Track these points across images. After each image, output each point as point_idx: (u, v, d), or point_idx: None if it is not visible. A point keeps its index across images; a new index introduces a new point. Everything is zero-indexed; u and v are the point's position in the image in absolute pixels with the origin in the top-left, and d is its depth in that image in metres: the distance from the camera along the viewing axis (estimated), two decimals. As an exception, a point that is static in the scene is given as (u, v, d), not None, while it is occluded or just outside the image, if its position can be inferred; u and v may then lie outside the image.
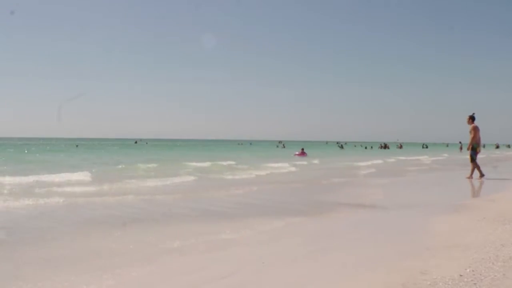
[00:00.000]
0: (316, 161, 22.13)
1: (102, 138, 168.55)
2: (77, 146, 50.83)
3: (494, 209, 6.17)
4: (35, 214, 5.78)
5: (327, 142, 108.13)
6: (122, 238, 4.62)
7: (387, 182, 11.63)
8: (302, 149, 31.56)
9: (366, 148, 59.77)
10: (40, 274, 3.28)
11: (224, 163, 18.27)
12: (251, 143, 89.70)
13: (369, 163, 20.49)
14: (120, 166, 16.12)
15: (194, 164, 16.95)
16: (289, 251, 3.94)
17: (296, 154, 29.65)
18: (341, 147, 59.81)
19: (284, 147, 53.81)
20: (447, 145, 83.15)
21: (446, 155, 35.32)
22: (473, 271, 3.17)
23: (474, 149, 11.23)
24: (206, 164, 17.08)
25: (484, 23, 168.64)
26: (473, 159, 11.24)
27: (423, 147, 63.30)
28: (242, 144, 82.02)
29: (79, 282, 3.05)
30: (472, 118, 11.29)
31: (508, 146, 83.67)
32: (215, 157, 23.54)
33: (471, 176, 11.24)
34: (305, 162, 20.95)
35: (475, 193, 9.27)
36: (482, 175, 11.13)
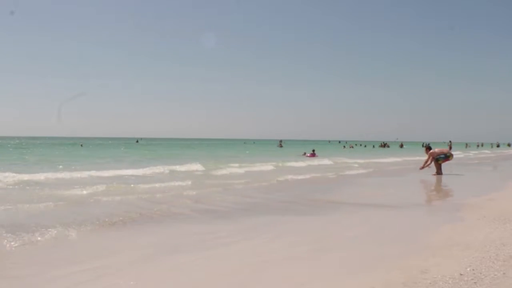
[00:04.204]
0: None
1: (103, 137, 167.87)
2: (81, 145, 50.73)
3: (494, 208, 6.17)
4: (35, 213, 5.79)
5: (329, 141, 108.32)
6: (121, 238, 4.63)
7: (384, 181, 11.63)
8: (313, 151, 31.42)
9: (365, 146, 59.96)
10: (40, 274, 3.30)
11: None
12: (254, 142, 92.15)
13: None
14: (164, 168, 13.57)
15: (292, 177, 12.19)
16: (289, 250, 3.94)
17: (307, 156, 29.53)
18: (344, 146, 60.27)
19: (281, 146, 52.97)
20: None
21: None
22: (473, 270, 3.18)
23: (447, 157, 13.35)
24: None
25: (484, 23, 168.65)
26: (437, 160, 13.24)
27: (423, 146, 63.34)
28: (246, 142, 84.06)
29: (79, 282, 3.06)
30: (428, 149, 13.72)
31: (509, 145, 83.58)
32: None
33: (437, 173, 13.13)
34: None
35: (436, 187, 9.92)
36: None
